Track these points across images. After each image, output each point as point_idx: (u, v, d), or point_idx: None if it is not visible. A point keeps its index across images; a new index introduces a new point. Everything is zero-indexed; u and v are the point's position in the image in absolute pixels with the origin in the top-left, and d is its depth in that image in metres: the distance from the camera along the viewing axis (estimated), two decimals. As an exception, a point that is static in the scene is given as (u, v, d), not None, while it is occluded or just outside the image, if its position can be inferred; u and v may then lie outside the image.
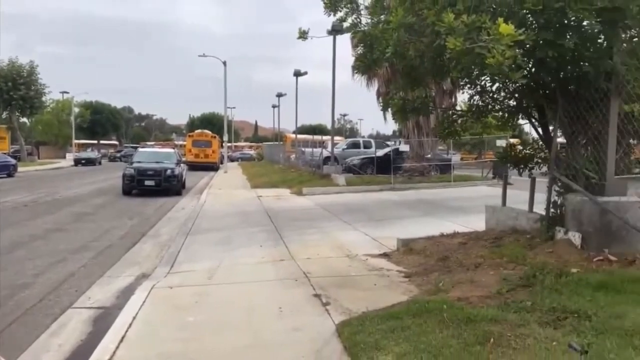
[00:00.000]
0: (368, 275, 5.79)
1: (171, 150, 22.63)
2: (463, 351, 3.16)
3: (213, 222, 10.77)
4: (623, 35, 4.99)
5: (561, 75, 5.52)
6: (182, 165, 19.55)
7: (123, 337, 4.00)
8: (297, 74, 32.09)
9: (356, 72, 18.22)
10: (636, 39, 5.03)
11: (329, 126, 30.21)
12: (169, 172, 17.19)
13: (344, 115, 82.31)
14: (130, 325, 4.28)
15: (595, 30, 4.82)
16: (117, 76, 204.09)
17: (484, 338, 3.31)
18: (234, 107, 64.89)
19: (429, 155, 22.21)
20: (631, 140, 6.01)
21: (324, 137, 30.85)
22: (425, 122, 19.41)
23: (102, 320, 4.81)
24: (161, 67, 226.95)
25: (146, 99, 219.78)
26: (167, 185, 17.01)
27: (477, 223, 7.82)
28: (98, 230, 10.08)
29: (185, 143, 41.80)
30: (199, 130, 42.67)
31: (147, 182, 16.83)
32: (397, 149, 21.11)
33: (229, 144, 47.67)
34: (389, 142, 23.31)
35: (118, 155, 56.96)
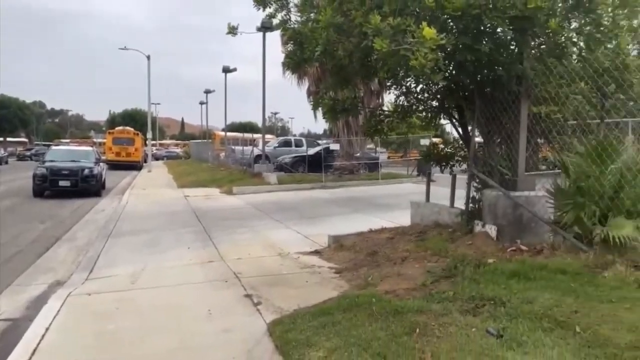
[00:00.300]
0: (300, 273, 5.81)
1: (89, 148, 21.19)
2: (391, 342, 3.27)
3: (136, 223, 10.23)
4: (532, 43, 5.42)
5: (478, 78, 5.88)
6: (101, 164, 18.35)
7: (35, 350, 3.68)
8: (226, 70, 31.39)
9: (287, 70, 18.19)
10: (543, 46, 5.48)
11: (259, 124, 29.90)
12: (86, 171, 16.05)
13: (275, 113, 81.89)
14: (43, 336, 3.94)
15: (508, 37, 5.19)
16: (27, 69, 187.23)
17: (410, 328, 3.44)
18: (158, 104, 61.96)
19: (358, 154, 22.77)
20: (539, 140, 6.57)
21: (255, 135, 30.48)
22: (355, 122, 19.84)
23: (11, 333, 4.38)
24: (77, 60, 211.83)
25: (60, 93, 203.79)
26: (84, 186, 15.88)
27: (403, 218, 8.13)
28: (4, 236, 9.17)
29: (105, 141, 39.31)
30: (120, 127, 40.36)
31: (62, 183, 15.61)
32: (328, 147, 21.42)
33: (154, 142, 45.56)
34: (320, 141, 23.53)
35: (28, 153, 52.45)
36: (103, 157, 23.21)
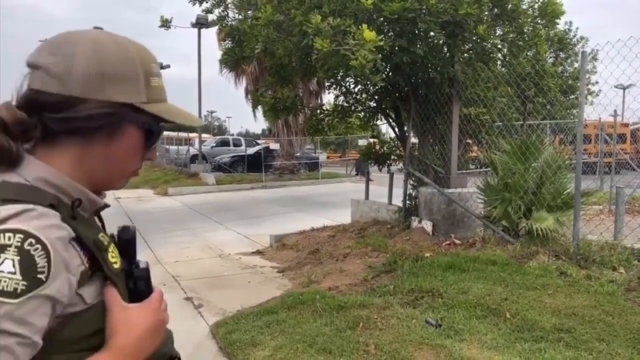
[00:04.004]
0: (242, 274, 5.72)
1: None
2: (336, 337, 3.31)
3: (63, 228, 9.56)
4: (463, 47, 5.73)
5: (413, 80, 6.12)
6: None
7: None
8: (159, 66, 30.17)
9: (224, 67, 17.82)
10: (472, 51, 5.80)
11: (195, 124, 28.95)
12: None
13: (212, 112, 79.83)
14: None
15: (441, 41, 5.45)
16: None
17: (354, 323, 3.51)
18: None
19: (299, 154, 22.82)
20: (469, 140, 6.96)
21: (191, 135, 29.62)
22: (295, 122, 19.88)
23: None
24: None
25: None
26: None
27: (343, 216, 8.26)
28: None
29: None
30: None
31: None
32: (268, 147, 21.26)
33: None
34: (259, 141, 23.31)
35: None
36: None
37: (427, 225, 5.89)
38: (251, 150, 21.75)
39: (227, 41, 7.07)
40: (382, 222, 6.98)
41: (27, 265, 0.59)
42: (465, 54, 5.85)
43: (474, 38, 5.40)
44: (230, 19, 6.66)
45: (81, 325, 0.68)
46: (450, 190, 5.87)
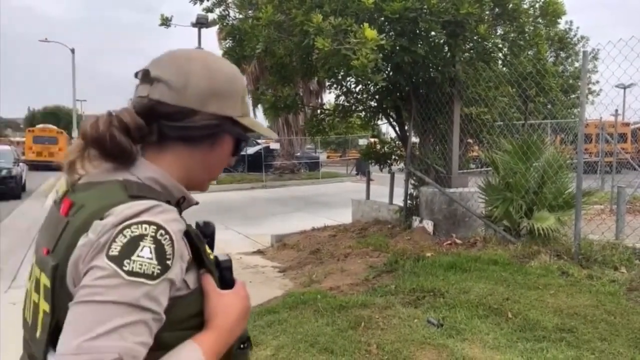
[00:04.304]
0: (243, 273, 5.71)
1: (6, 147, 19.48)
2: (337, 337, 3.31)
3: (64, 228, 9.55)
4: (464, 47, 5.72)
5: (414, 80, 6.11)
6: (21, 165, 16.95)
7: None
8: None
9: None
10: (473, 50, 5.80)
11: (195, 123, 28.97)
12: (4, 172, 14.75)
13: (211, 112, 79.63)
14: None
15: (442, 41, 5.45)
16: None
17: (355, 322, 3.51)
18: (84, 100, 57.90)
19: (299, 154, 22.80)
20: (469, 140, 6.95)
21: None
22: (295, 121, 19.86)
23: None
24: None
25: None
26: (2, 188, 14.59)
27: (344, 216, 8.26)
28: None
29: (24, 140, 36.34)
30: (42, 125, 37.42)
31: (-24, 186, 14.26)
32: (269, 147, 21.24)
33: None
34: (259, 140, 23.30)
35: None
36: (22, 158, 21.46)
37: (428, 225, 5.88)
38: (251, 150, 21.71)
39: (227, 40, 7.07)
40: (383, 221, 6.98)
41: (160, 252, 0.69)
42: (466, 54, 5.84)
43: (475, 37, 5.39)
44: (231, 19, 6.65)
45: (185, 308, 0.76)
46: (452, 190, 5.86)
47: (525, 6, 5.56)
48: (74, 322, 0.65)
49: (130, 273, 0.67)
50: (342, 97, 7.23)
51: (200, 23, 19.12)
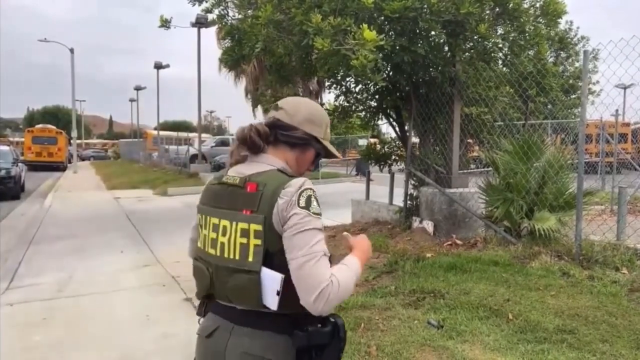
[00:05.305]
0: (241, 274, 5.68)
1: (5, 147, 19.44)
2: (337, 339, 3.28)
3: (62, 228, 9.52)
4: (464, 46, 5.70)
5: (414, 79, 6.09)
6: (20, 165, 16.90)
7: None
8: (159, 66, 30.19)
9: (224, 66, 17.79)
10: (473, 50, 5.77)
11: (194, 123, 29.05)
12: (3, 173, 14.70)
13: (211, 112, 79.62)
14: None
15: (442, 40, 5.42)
16: None
17: (355, 324, 3.48)
18: (84, 100, 57.72)
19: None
20: (469, 140, 6.93)
21: (190, 135, 29.56)
22: (294, 121, 19.82)
23: None
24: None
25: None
26: (1, 189, 14.54)
27: (344, 216, 8.23)
28: None
29: (23, 140, 36.28)
30: (41, 125, 37.37)
31: (-26, 186, 14.20)
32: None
33: (79, 141, 42.79)
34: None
35: None
36: (21, 158, 21.41)
37: (429, 226, 5.86)
38: (251, 150, 21.64)
39: (226, 40, 7.04)
40: (383, 222, 6.95)
41: (318, 203, 1.25)
42: (467, 53, 5.82)
43: (475, 37, 5.37)
44: (230, 18, 6.63)
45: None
46: (452, 190, 5.84)
47: (525, 6, 5.54)
48: (297, 242, 1.17)
49: (315, 213, 1.21)
50: (342, 97, 7.21)
51: (200, 23, 19.13)
